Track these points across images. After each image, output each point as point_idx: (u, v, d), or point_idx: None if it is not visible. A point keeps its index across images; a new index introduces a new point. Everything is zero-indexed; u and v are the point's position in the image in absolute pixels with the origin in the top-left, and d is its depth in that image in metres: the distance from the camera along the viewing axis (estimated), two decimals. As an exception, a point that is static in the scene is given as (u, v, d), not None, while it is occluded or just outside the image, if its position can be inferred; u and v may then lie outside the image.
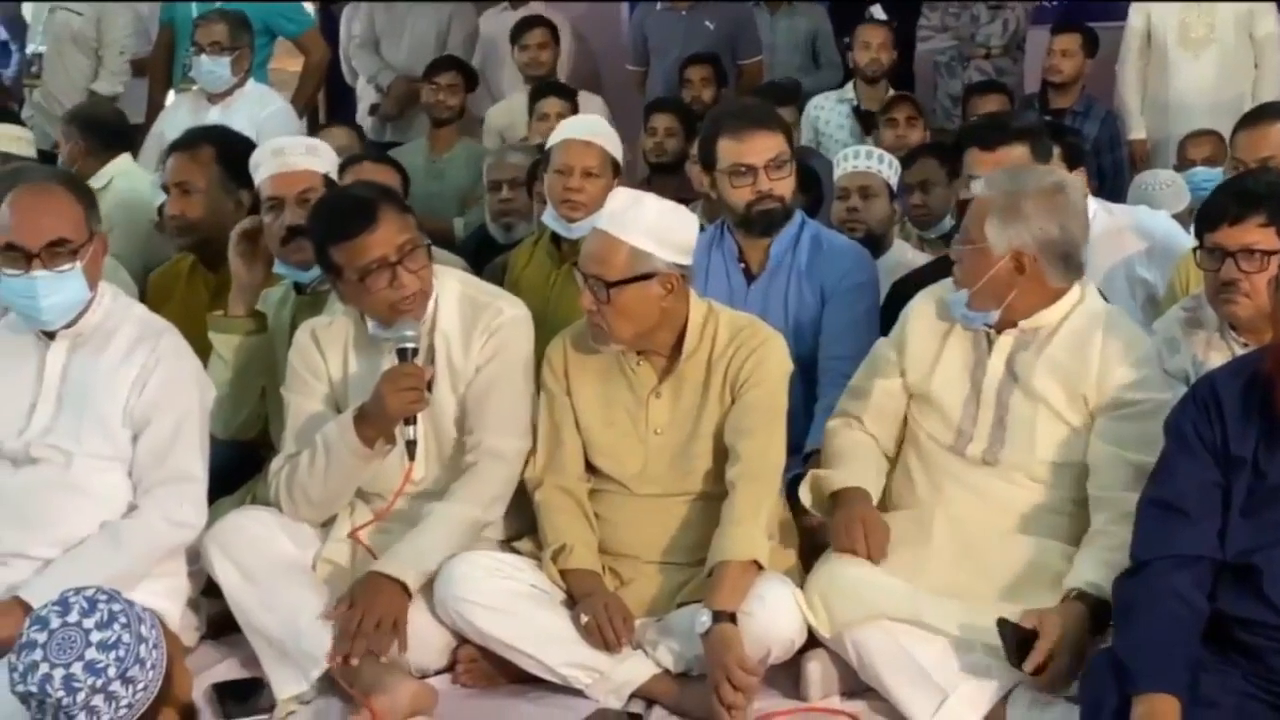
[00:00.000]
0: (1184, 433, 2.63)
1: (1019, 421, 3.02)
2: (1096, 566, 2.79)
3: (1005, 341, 3.04)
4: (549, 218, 3.95)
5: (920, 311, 3.19)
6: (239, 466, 3.59)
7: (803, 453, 3.45)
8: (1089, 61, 6.16)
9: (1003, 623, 2.74)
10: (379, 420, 3.06)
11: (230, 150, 3.85)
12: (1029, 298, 2.98)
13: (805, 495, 3.15)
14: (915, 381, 3.16)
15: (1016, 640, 2.71)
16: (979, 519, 3.04)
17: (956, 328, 3.12)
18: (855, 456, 3.17)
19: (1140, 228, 4.13)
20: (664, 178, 5.43)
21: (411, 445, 3.10)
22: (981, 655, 2.85)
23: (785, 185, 3.65)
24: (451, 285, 3.26)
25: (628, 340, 3.08)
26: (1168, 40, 6.11)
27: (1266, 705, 2.47)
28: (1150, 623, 2.49)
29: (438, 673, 3.15)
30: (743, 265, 3.75)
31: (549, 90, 5.96)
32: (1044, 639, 2.68)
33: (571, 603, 3.07)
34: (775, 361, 3.18)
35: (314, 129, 6.17)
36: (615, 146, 4.00)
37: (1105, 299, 3.26)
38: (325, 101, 7.61)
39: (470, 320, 3.21)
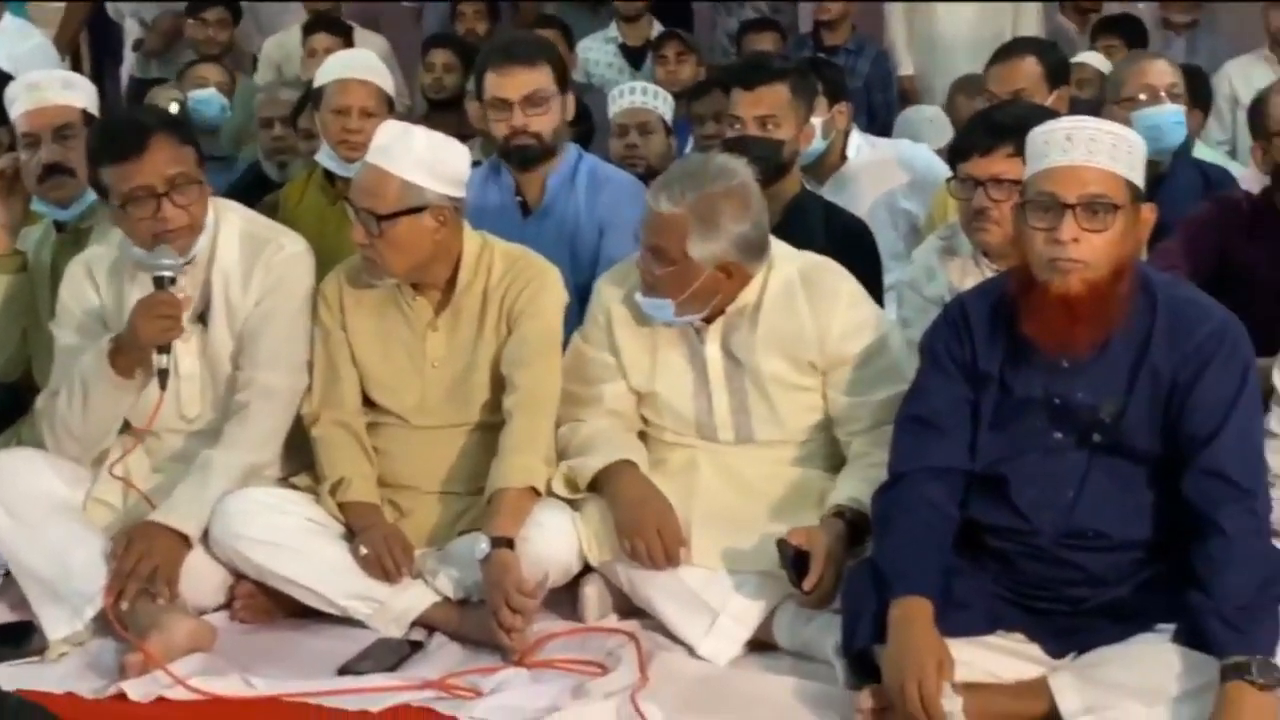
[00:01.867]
0: (936, 352, 2.75)
1: (758, 402, 3.09)
2: (857, 484, 2.92)
3: (715, 329, 3.07)
4: (324, 157, 3.91)
5: (622, 318, 3.15)
6: (3, 410, 3.51)
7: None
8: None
9: (782, 543, 2.82)
10: (132, 349, 3.01)
11: None
12: (732, 291, 3.01)
13: (560, 487, 3.11)
14: (640, 383, 3.16)
15: (794, 559, 2.81)
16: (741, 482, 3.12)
17: (661, 325, 3.13)
18: (606, 439, 3.15)
19: (902, 160, 4.28)
20: (443, 114, 5.39)
21: (163, 374, 3.06)
22: (749, 575, 2.94)
23: (543, 122, 3.62)
24: (232, 221, 3.21)
25: (402, 273, 3.08)
26: (933, -21, 6.28)
27: (1015, 606, 2.64)
28: (905, 531, 2.63)
29: (216, 610, 3.13)
30: (519, 199, 3.75)
31: (321, 25, 5.88)
32: (815, 557, 2.79)
33: (351, 536, 3.07)
34: (551, 293, 3.20)
35: (76, 66, 5.98)
36: (389, 83, 3.99)
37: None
38: (89, 39, 7.39)
39: (251, 257, 3.17)
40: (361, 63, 4.04)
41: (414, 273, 3.11)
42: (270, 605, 3.09)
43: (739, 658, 2.94)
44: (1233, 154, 5.23)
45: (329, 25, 5.91)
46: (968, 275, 3.24)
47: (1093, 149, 2.52)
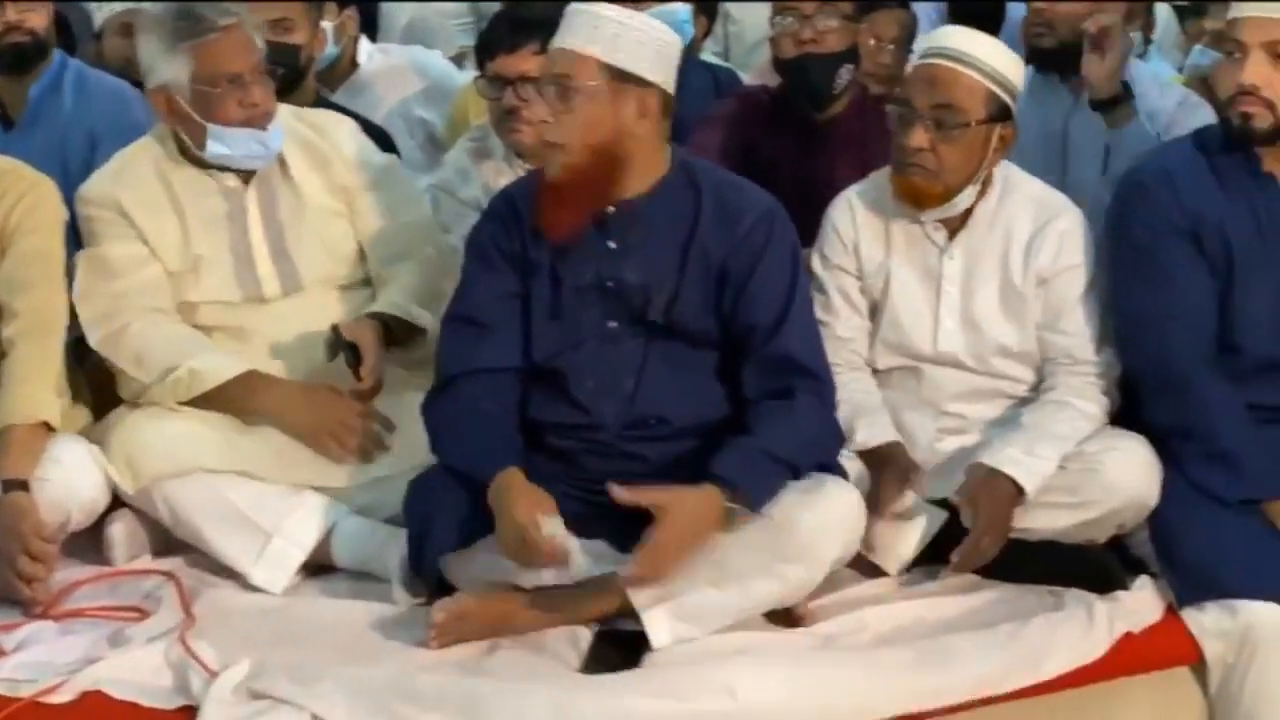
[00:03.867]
0: (483, 246, 2.74)
1: (300, 239, 3.04)
2: (398, 292, 3.06)
3: (252, 190, 3.02)
4: None
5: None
6: None
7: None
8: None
9: (335, 329, 2.84)
10: None
11: None
12: None
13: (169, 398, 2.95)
14: (172, 260, 3.03)
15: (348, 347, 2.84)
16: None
17: (181, 180, 3.04)
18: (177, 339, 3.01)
19: (416, 67, 4.25)
20: None
21: None
22: (306, 491, 2.91)
23: (38, 18, 3.43)
24: None
25: None
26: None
27: (584, 503, 2.65)
28: (470, 429, 2.64)
29: None
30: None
31: None
32: (365, 348, 2.84)
33: None
34: (47, 208, 2.98)
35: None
36: None
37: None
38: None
39: None
40: None
41: None
42: None
43: (297, 583, 2.89)
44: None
45: None
46: (502, 176, 3.25)
47: (571, 30, 2.59)
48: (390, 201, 3.18)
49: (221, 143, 2.95)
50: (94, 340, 3.00)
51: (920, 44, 2.99)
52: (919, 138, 2.76)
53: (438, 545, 2.61)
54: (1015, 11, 5.06)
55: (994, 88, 2.78)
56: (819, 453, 2.67)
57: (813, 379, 2.67)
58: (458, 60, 4.98)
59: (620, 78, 2.58)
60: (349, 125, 3.26)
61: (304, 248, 3.10)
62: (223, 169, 3.02)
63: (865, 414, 2.89)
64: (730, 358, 2.69)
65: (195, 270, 3.04)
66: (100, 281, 3.01)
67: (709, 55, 4.87)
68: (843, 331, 2.97)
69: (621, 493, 2.48)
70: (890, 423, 2.92)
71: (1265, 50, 2.67)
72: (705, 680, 2.46)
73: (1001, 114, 2.80)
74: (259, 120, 2.98)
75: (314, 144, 3.14)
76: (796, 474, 2.60)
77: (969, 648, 2.57)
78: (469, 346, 2.69)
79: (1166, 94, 3.62)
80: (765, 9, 5.24)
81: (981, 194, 2.87)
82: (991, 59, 2.81)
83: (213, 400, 2.95)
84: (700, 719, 2.44)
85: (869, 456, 2.83)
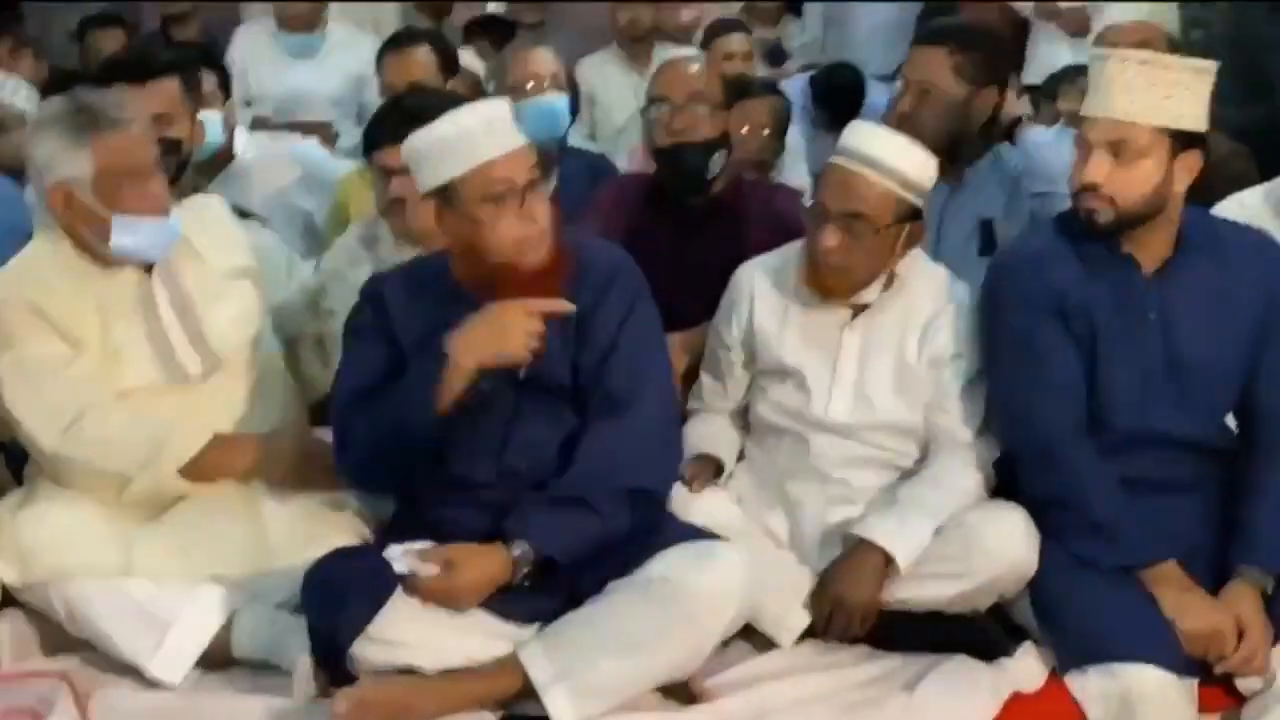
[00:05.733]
0: (359, 327, 2.87)
1: (208, 318, 3.10)
2: None
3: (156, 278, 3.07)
4: None
5: None
6: None
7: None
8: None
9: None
10: None
11: None
12: None
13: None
14: (94, 353, 3.07)
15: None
16: None
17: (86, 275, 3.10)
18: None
19: (294, 156, 4.30)
20: None
21: None
22: (205, 584, 2.92)
23: None
24: None
25: None
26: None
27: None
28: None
29: None
30: None
31: None
32: None
33: None
34: None
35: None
36: None
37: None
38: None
39: None
40: None
41: None
42: None
43: (197, 677, 2.88)
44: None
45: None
46: (391, 261, 3.29)
47: (490, 134, 2.71)
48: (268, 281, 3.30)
49: (127, 234, 2.96)
50: (48, 444, 2.97)
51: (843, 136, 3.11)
52: (829, 238, 2.88)
53: (354, 624, 2.63)
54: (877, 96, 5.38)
55: (904, 192, 2.91)
56: (628, 481, 2.79)
57: (622, 406, 2.81)
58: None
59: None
60: (221, 207, 3.35)
61: (214, 326, 3.14)
62: (121, 263, 3.04)
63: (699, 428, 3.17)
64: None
65: (118, 360, 3.04)
66: (33, 383, 2.99)
67: (577, 139, 4.99)
68: (710, 397, 3.22)
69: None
70: (719, 441, 3.16)
71: (1106, 149, 2.80)
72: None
73: (911, 214, 2.94)
74: (161, 210, 3.03)
75: (198, 230, 3.19)
76: (599, 511, 2.74)
77: (869, 713, 2.69)
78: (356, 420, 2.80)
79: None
80: (630, 92, 5.52)
81: (887, 285, 3.01)
82: (902, 164, 2.93)
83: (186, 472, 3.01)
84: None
85: None
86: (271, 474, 3.09)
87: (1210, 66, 2.86)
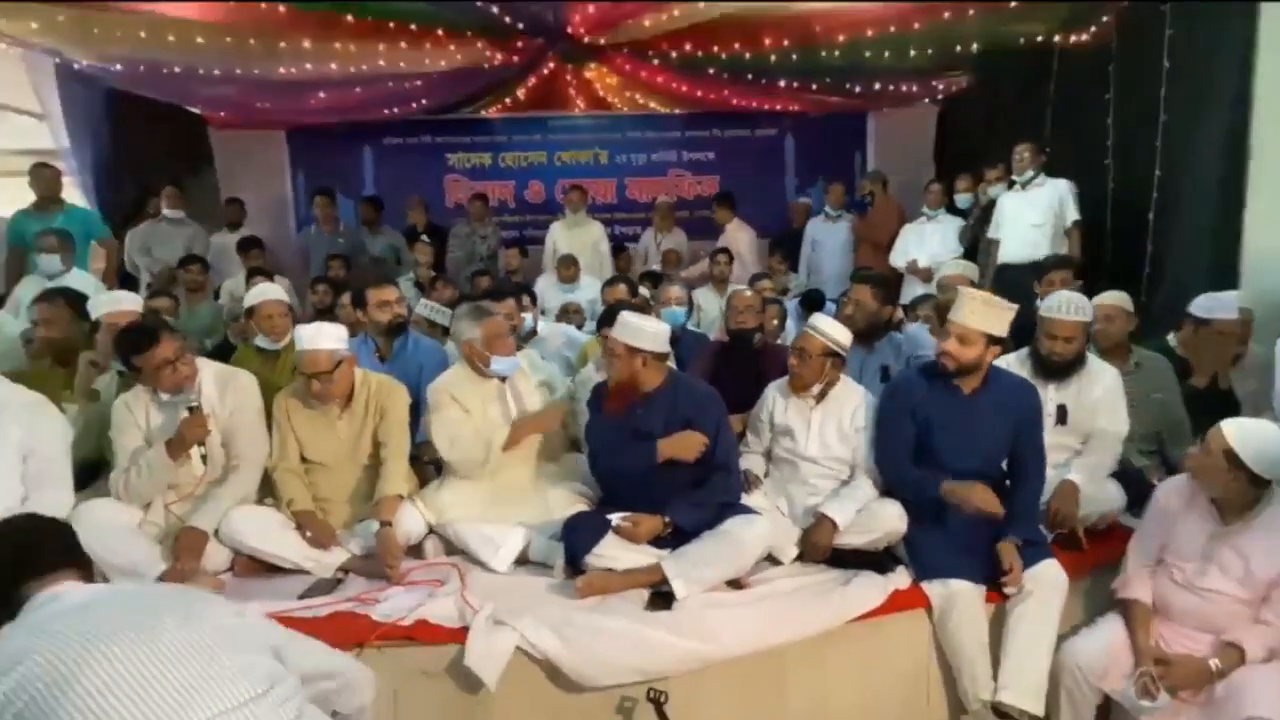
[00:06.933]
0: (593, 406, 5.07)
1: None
2: None
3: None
4: (261, 340, 6.09)
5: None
6: (89, 477, 5.31)
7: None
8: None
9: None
10: (181, 446, 4.91)
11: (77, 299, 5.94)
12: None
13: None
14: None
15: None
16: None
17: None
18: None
19: (563, 331, 7.38)
20: (323, 318, 7.03)
21: (205, 457, 5.02)
22: (518, 526, 5.07)
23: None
24: (208, 367, 5.16)
25: (338, 395, 5.14)
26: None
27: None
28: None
29: (222, 572, 4.97)
30: (378, 352, 6.19)
31: (255, 272, 8.85)
32: None
33: (299, 528, 4.98)
34: (398, 400, 5.23)
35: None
36: (288, 300, 6.25)
37: None
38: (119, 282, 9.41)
39: (223, 386, 5.12)
40: (275, 290, 6.25)
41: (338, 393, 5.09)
42: (257, 565, 4.99)
43: (512, 569, 4.79)
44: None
45: (259, 272, 8.95)
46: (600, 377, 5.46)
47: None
48: (553, 384, 5.50)
49: (498, 364, 5.19)
50: (444, 453, 5.10)
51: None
52: (795, 363, 5.00)
53: (581, 550, 4.63)
54: (830, 305, 8.14)
55: (832, 345, 5.01)
56: (720, 498, 4.65)
57: (725, 470, 4.71)
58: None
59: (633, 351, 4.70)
60: (532, 355, 5.48)
61: (531, 400, 5.23)
62: (493, 377, 5.23)
63: (747, 460, 5.12)
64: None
65: (484, 419, 5.11)
66: (447, 427, 5.06)
67: (690, 325, 7.62)
68: (753, 444, 5.24)
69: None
70: (757, 466, 5.14)
71: (955, 335, 4.71)
72: (700, 620, 4.25)
73: (835, 356, 5.06)
74: (510, 353, 5.16)
75: (525, 363, 5.20)
76: (707, 508, 4.51)
77: (826, 596, 4.49)
78: None
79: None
80: (715, 304, 8.38)
81: (829, 386, 5.12)
82: (833, 333, 5.01)
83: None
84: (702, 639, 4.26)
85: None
86: (552, 423, 4.95)
87: (1010, 306, 4.61)
